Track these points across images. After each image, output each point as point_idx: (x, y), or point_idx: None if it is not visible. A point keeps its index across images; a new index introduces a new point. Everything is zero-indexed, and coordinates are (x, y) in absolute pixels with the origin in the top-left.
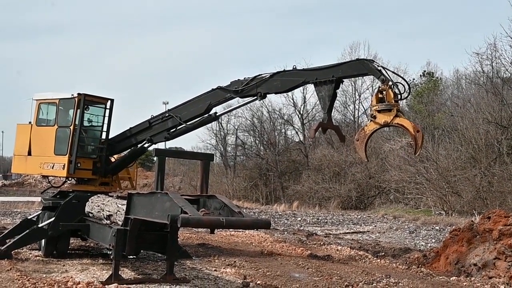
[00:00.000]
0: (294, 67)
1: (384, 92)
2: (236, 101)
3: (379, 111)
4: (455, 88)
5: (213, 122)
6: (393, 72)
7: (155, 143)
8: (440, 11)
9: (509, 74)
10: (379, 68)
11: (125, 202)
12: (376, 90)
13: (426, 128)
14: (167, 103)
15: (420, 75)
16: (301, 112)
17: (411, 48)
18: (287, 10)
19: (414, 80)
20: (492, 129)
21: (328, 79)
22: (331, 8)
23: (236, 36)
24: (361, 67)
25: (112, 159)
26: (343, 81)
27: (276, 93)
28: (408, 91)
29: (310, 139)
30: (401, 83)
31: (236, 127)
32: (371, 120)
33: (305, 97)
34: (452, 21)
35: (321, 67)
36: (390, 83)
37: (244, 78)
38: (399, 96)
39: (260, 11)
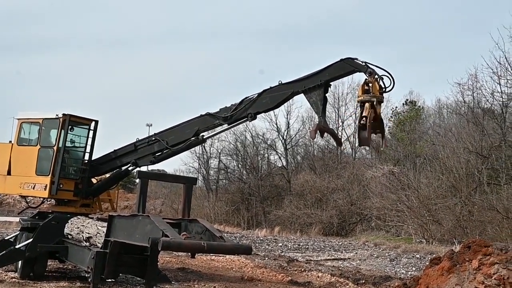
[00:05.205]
0: (280, 82)
1: (370, 84)
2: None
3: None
4: (436, 117)
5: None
6: (377, 66)
7: (140, 166)
8: (423, 41)
9: (490, 105)
10: (363, 63)
11: (105, 224)
12: (362, 82)
13: (408, 156)
14: (151, 125)
15: (403, 104)
16: (285, 137)
17: (394, 77)
18: (275, 33)
19: (397, 108)
20: (473, 158)
21: (317, 84)
22: (320, 35)
23: (222, 59)
24: (346, 65)
25: (94, 181)
26: (331, 84)
27: (266, 110)
28: (392, 84)
29: (312, 140)
30: (386, 76)
31: (219, 151)
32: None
33: (288, 123)
34: (434, 51)
35: (307, 75)
36: (376, 76)
37: (232, 104)
38: (384, 88)
39: (245, 34)
